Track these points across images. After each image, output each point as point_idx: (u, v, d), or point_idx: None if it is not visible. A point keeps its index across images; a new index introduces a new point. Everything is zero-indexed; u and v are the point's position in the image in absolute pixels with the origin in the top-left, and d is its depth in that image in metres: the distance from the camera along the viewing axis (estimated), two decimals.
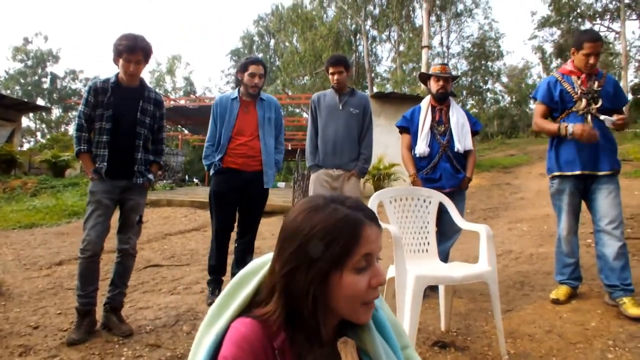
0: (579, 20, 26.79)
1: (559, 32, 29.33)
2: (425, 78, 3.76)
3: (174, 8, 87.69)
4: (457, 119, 3.56)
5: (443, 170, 3.48)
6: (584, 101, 3.07)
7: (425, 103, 3.67)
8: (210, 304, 2.50)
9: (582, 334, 2.56)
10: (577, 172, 3.06)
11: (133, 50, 2.85)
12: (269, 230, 6.75)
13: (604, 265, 2.98)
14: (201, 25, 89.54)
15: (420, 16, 25.80)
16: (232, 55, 41.60)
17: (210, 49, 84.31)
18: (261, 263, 1.02)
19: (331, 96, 3.77)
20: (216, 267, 3.55)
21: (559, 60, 29.99)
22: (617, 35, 27.79)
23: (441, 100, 3.60)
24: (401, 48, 31.29)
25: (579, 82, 3.11)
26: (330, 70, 3.69)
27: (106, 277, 3.07)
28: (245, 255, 3.55)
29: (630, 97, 23.48)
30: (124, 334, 2.84)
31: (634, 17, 25.02)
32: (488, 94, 37.83)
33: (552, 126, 3.15)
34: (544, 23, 29.91)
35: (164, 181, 15.16)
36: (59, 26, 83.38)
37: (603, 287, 3.03)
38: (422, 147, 3.52)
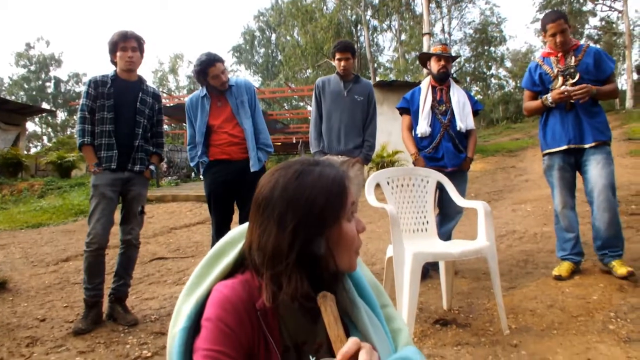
0: (581, 1, 26.44)
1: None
2: (425, 59, 3.75)
3: (174, 7, 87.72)
4: (458, 98, 3.54)
5: (445, 149, 3.47)
6: (560, 79, 3.12)
7: (426, 83, 3.66)
8: None
9: (583, 307, 2.55)
10: (564, 147, 3.10)
11: (125, 37, 2.96)
12: None
13: (596, 234, 3.03)
14: (202, 23, 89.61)
15: (420, 3, 25.56)
16: (233, 52, 41.60)
17: (212, 46, 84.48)
18: (239, 233, 1.03)
19: (336, 82, 3.74)
20: None
21: None
22: (620, 15, 27.40)
23: (442, 81, 3.58)
24: (402, 37, 31.09)
25: (556, 61, 3.16)
26: (337, 56, 3.67)
27: (112, 271, 3.11)
28: None
29: (635, 76, 23.17)
30: (129, 323, 2.88)
31: None
32: (492, 79, 37.58)
33: (536, 104, 3.25)
34: (546, 5, 29.57)
35: (169, 177, 15.24)
36: (60, 30, 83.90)
37: (597, 255, 3.08)
38: (423, 127, 3.52)
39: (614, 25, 27.76)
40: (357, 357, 0.76)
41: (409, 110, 3.66)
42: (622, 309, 2.47)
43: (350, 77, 3.75)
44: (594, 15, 29.04)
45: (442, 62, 3.55)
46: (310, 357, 0.91)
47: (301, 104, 32.01)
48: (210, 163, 3.33)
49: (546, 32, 3.18)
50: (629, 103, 21.30)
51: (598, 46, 3.31)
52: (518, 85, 37.06)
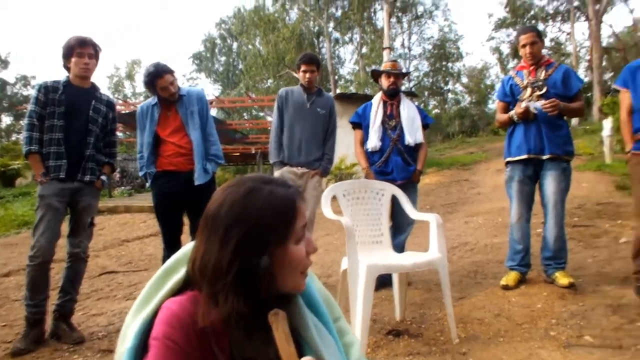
0: (533, 21, 27.94)
1: (514, 33, 30.41)
2: (376, 75, 3.84)
3: (132, 10, 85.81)
4: (408, 113, 3.64)
5: (395, 163, 3.57)
6: (528, 90, 3.28)
7: (377, 99, 3.75)
8: None
9: (528, 315, 2.66)
10: (524, 156, 3.23)
11: (84, 43, 2.88)
12: None
13: (545, 246, 3.22)
14: (161, 28, 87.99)
15: (381, 18, 26.22)
16: (193, 59, 41.06)
17: (171, 52, 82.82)
18: (190, 250, 1.00)
19: (299, 94, 3.77)
20: None
21: (515, 60, 31.07)
22: (568, 37, 29.09)
23: (392, 96, 3.68)
24: (364, 50, 31.68)
25: (527, 74, 3.32)
26: (303, 68, 3.70)
27: (57, 287, 2.96)
28: None
29: None
30: (74, 341, 2.75)
31: (583, 19, 26.22)
32: (449, 94, 38.78)
33: (505, 117, 3.40)
34: (501, 24, 31.04)
35: (123, 187, 14.77)
36: (8, 30, 79.97)
37: (542, 266, 3.25)
38: (373, 141, 3.61)
39: (563, 47, 29.40)
40: None
41: (361, 125, 3.75)
42: (563, 316, 2.60)
43: (313, 90, 3.79)
44: (545, 35, 30.66)
45: (392, 79, 3.65)
46: None
47: (261, 114, 31.89)
48: (158, 174, 3.25)
49: (518, 43, 3.36)
50: (574, 121, 22.54)
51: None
52: (473, 100, 38.52)
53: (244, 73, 30.95)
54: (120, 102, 25.20)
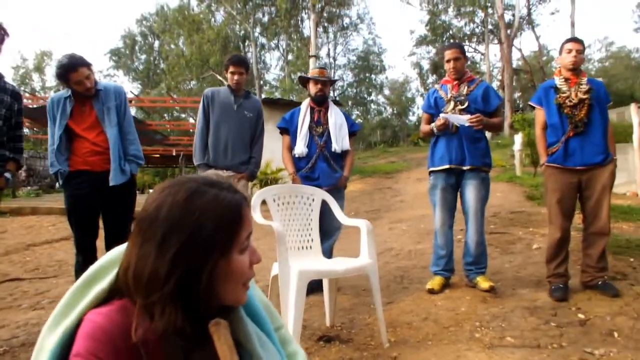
0: (451, 40, 29.74)
1: (434, 51, 32.28)
2: (304, 81, 3.82)
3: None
4: (336, 120, 3.66)
5: (321, 169, 3.57)
6: (451, 103, 3.41)
7: (305, 105, 3.73)
8: None
9: (453, 319, 2.73)
10: (446, 166, 3.36)
11: None
12: None
13: (467, 252, 3.37)
14: (76, 20, 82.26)
15: (308, 26, 26.52)
16: (111, 55, 38.76)
17: (86, 46, 77.61)
18: (116, 256, 0.90)
19: (226, 95, 3.64)
20: None
21: (434, 76, 32.95)
22: (482, 57, 31.34)
23: (319, 103, 3.68)
24: (290, 57, 31.82)
25: (451, 88, 3.46)
26: (231, 69, 3.59)
27: None
28: None
29: None
30: None
31: (496, 41, 28.37)
32: (372, 105, 40.12)
33: (428, 128, 3.52)
34: (421, 41, 32.68)
35: (29, 187, 13.50)
36: None
37: (464, 271, 3.39)
38: (300, 147, 3.58)
39: (477, 66, 31.60)
40: None
41: (288, 130, 3.71)
42: (486, 318, 2.70)
43: (241, 92, 3.68)
44: None
45: (319, 86, 3.65)
46: None
47: (182, 115, 30.78)
48: (71, 174, 2.95)
49: (443, 58, 3.50)
50: (488, 135, 24.28)
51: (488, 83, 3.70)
52: (395, 112, 40.18)
53: (166, 73, 29.71)
54: (28, 95, 23.06)
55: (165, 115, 34.69)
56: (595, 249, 3.03)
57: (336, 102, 3.08)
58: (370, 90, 37.51)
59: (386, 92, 40.58)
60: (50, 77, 42.11)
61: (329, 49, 34.06)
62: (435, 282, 3.32)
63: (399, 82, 41.96)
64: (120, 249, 0.91)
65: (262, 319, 0.95)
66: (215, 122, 3.59)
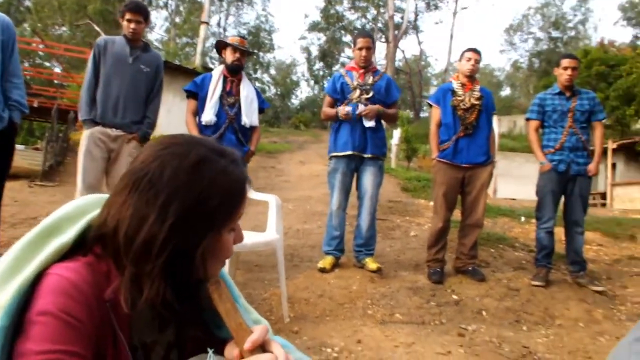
0: (342, 32, 30.63)
1: (324, 38, 32.92)
2: (221, 47, 3.63)
3: None
4: (248, 93, 3.56)
5: (229, 141, 3.44)
6: (357, 91, 3.53)
7: (218, 72, 3.56)
8: None
9: (347, 296, 2.88)
10: (349, 153, 3.49)
11: None
12: (11, 196, 5.46)
13: (358, 234, 3.54)
14: None
15: None
16: None
17: None
18: (78, 208, 0.79)
19: (121, 46, 3.28)
20: None
21: (322, 63, 33.66)
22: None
23: (234, 72, 3.54)
24: (177, 19, 29.88)
25: (357, 76, 3.55)
26: (127, 17, 3.23)
27: None
28: None
29: None
30: None
31: (383, 39, 29.94)
32: (256, 82, 39.60)
33: (332, 112, 3.60)
34: (314, 27, 33.06)
35: None
36: None
37: (353, 252, 3.56)
38: (209, 115, 3.41)
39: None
40: (263, 347, 0.69)
41: (197, 95, 3.51)
42: (375, 296, 2.90)
43: (139, 44, 3.36)
44: (349, 46, 34.00)
45: (238, 55, 3.51)
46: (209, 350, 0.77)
47: (47, 64, 26.94)
48: None
49: (355, 45, 3.58)
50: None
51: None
52: (279, 92, 40.21)
53: (32, 12, 25.75)
54: None
55: (13, 29, 29.87)
56: (469, 239, 3.44)
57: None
58: (256, 67, 36.97)
59: (272, 71, 40.44)
60: None
61: (220, 18, 32.74)
62: (327, 261, 3.45)
63: (286, 63, 42.08)
64: (82, 201, 0.80)
65: (232, 287, 0.91)
66: (106, 74, 3.24)
